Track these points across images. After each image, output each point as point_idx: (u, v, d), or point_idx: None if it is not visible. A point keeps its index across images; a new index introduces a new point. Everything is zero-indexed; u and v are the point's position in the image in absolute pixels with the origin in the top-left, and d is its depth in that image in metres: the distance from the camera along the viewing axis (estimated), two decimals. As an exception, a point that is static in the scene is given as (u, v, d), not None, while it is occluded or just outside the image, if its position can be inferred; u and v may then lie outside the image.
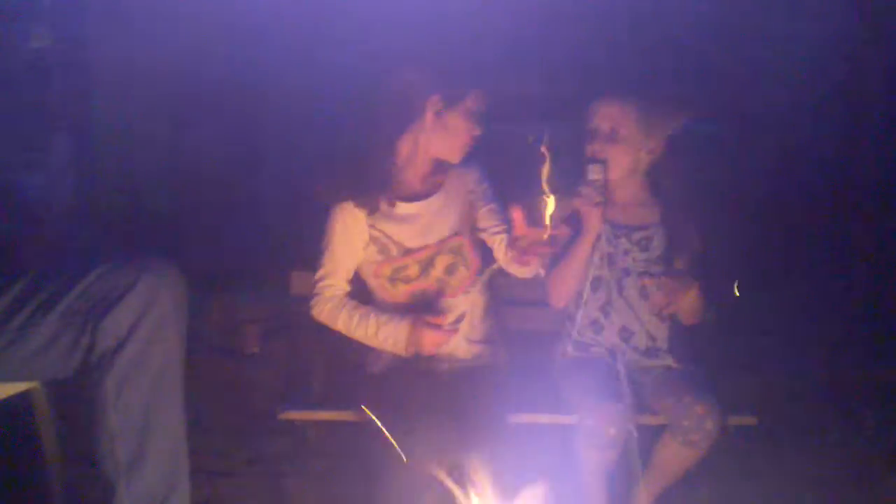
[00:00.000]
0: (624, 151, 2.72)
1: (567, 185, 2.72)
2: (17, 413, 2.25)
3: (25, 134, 2.80)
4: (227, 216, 3.25)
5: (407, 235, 2.54)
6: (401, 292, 2.55)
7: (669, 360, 2.76)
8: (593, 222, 2.65)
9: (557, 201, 2.59)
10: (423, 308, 2.55)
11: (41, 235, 2.45)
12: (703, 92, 3.33)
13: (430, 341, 2.39)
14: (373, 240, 2.51)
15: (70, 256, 2.26)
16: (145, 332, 2.13)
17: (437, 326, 2.39)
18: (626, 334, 2.77)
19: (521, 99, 3.38)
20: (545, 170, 2.61)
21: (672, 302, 2.64)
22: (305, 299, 2.98)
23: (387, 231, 2.51)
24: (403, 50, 2.57)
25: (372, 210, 2.50)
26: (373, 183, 2.49)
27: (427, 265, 2.56)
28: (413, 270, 2.54)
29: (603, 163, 2.63)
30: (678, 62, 3.35)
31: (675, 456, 2.61)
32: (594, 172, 2.61)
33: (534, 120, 2.90)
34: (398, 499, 2.30)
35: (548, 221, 2.66)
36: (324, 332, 2.91)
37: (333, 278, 2.52)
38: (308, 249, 3.11)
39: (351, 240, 2.52)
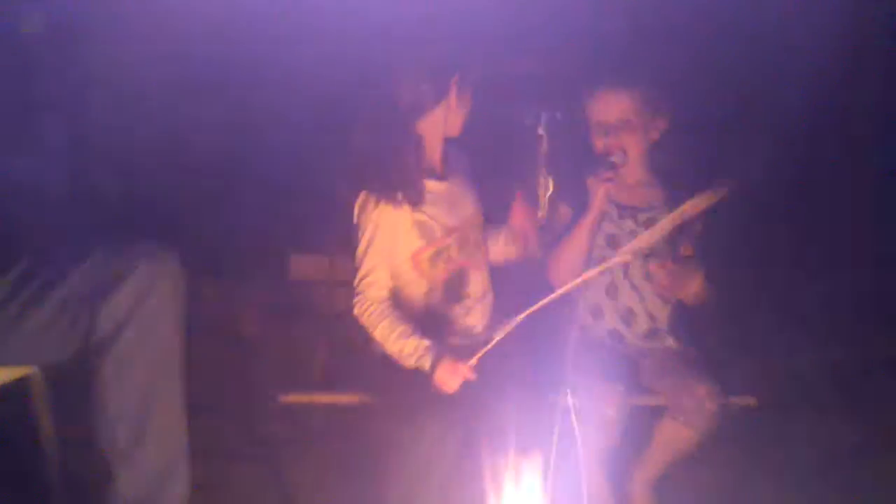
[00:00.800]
0: (636, 138, 2.72)
1: (565, 167, 2.72)
2: (15, 398, 2.25)
3: (21, 118, 2.78)
4: (227, 200, 3.24)
5: (447, 214, 2.54)
6: (440, 272, 2.54)
7: (670, 341, 2.75)
8: (600, 199, 2.64)
9: (555, 183, 2.60)
10: (457, 287, 2.56)
11: (38, 220, 2.44)
12: (704, 73, 3.31)
13: (448, 382, 2.38)
14: (416, 225, 2.50)
15: (68, 241, 2.24)
16: (144, 316, 2.12)
17: (461, 367, 2.37)
18: (628, 316, 2.77)
19: (519, 80, 3.37)
20: (542, 152, 2.61)
21: (678, 287, 2.63)
22: (305, 284, 2.99)
23: (430, 213, 2.51)
24: (407, 32, 2.54)
25: (417, 201, 2.48)
26: (414, 174, 2.49)
27: (464, 242, 2.57)
28: (454, 249, 2.55)
29: (623, 150, 2.65)
30: (675, 42, 3.33)
31: (675, 437, 2.60)
32: (616, 157, 2.63)
33: (532, 101, 2.87)
34: (401, 483, 2.30)
35: (544, 203, 2.68)
36: (324, 316, 2.92)
37: (376, 274, 2.49)
38: (307, 234, 3.13)
39: (393, 233, 2.50)
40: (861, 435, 3.18)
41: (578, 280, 2.42)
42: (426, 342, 2.39)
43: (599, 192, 2.63)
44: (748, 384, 2.72)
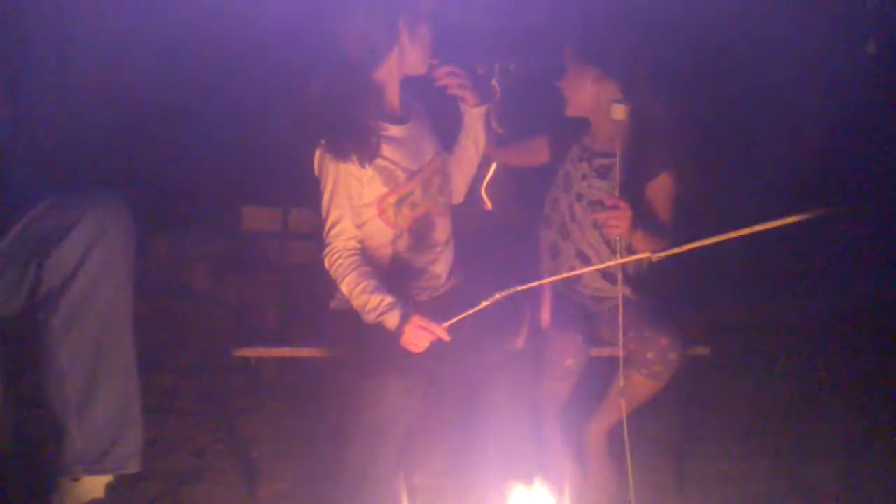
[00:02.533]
0: (577, 85, 2.71)
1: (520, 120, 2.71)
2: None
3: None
4: (177, 151, 3.17)
5: (408, 158, 2.51)
6: (405, 218, 2.52)
7: (627, 291, 2.75)
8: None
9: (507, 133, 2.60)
10: (423, 233, 2.55)
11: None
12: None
13: (417, 342, 2.36)
14: (378, 171, 2.47)
15: (12, 193, 2.17)
16: (92, 268, 2.07)
17: (429, 329, 2.35)
18: (583, 258, 2.76)
19: (473, 30, 3.32)
20: (495, 102, 2.59)
21: (615, 229, 2.59)
22: (258, 234, 2.94)
23: (391, 158, 2.48)
24: None
25: (373, 156, 2.45)
26: (370, 125, 2.45)
27: (427, 186, 2.55)
28: (418, 194, 2.53)
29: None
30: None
31: (637, 388, 2.63)
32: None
33: (490, 53, 2.84)
34: (356, 438, 2.29)
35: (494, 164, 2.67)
36: (278, 268, 2.89)
37: (342, 224, 2.45)
38: (260, 186, 3.07)
39: (355, 181, 2.46)
40: (811, 384, 3.24)
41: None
42: (390, 299, 2.36)
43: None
44: (700, 335, 2.76)
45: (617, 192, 2.47)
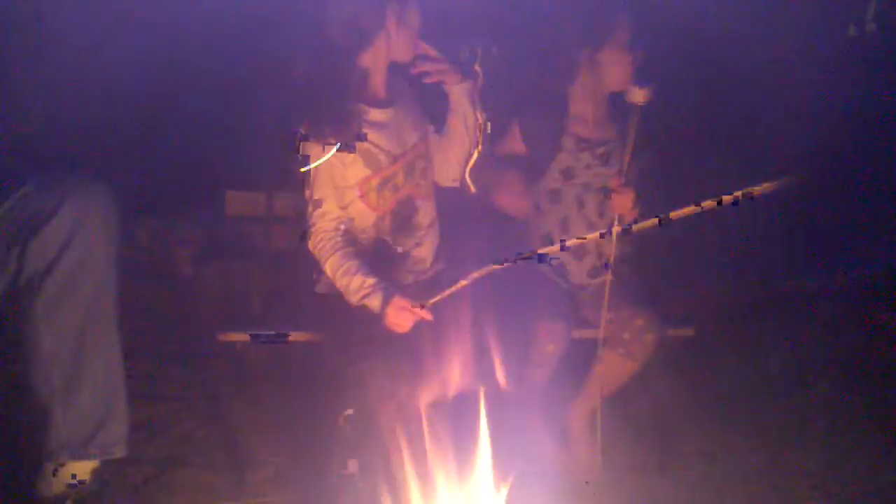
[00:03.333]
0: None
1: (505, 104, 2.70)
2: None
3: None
4: (159, 136, 3.14)
5: (391, 142, 2.52)
6: (387, 201, 2.52)
7: (612, 277, 2.76)
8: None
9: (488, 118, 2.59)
10: (405, 217, 2.55)
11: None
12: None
13: (400, 323, 2.36)
14: (361, 154, 2.47)
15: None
16: (75, 254, 2.06)
17: (411, 310, 2.35)
18: (580, 252, 2.78)
19: (457, 14, 3.30)
20: (477, 87, 2.58)
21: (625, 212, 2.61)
22: (241, 220, 2.94)
23: (375, 141, 2.48)
24: None
25: (353, 143, 2.45)
26: (353, 110, 2.45)
27: (410, 170, 2.55)
28: (400, 177, 2.53)
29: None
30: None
31: (614, 368, 2.65)
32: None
33: (473, 36, 2.83)
34: (344, 423, 2.30)
35: (479, 144, 2.66)
36: (263, 253, 2.88)
37: (326, 205, 2.46)
38: (243, 171, 3.06)
39: (338, 163, 2.46)
40: (796, 365, 3.27)
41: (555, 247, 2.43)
42: (371, 280, 2.37)
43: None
44: (686, 316, 2.78)
45: (623, 175, 2.49)
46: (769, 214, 3.48)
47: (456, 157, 2.67)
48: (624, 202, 2.53)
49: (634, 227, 2.21)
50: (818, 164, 3.43)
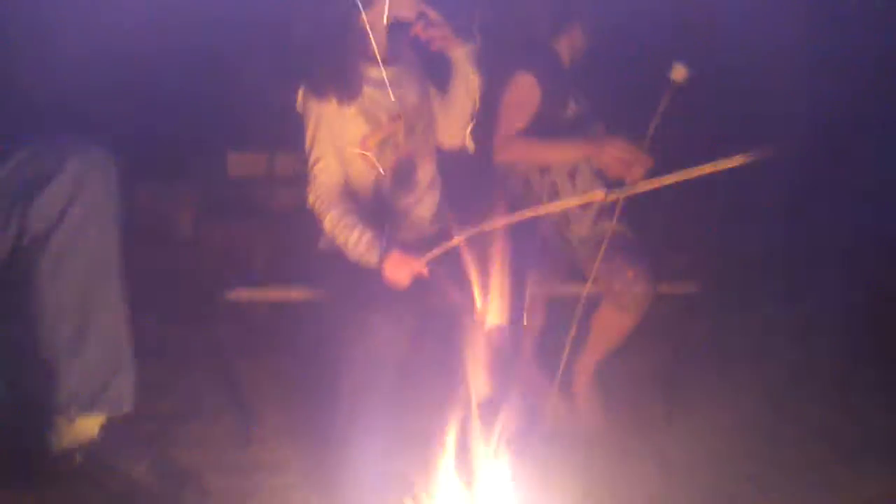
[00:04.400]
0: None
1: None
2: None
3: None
4: (160, 97, 3.14)
5: (392, 100, 2.51)
6: (388, 159, 2.53)
7: (613, 228, 2.75)
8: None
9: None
10: (406, 175, 2.55)
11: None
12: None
13: (398, 277, 2.37)
14: (361, 111, 2.47)
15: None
16: (77, 213, 2.09)
17: (408, 264, 2.36)
18: (586, 203, 2.78)
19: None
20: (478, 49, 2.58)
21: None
22: (243, 181, 2.95)
23: (375, 99, 2.49)
24: None
25: (354, 96, 2.46)
26: (354, 66, 2.45)
27: (411, 129, 2.55)
28: (400, 135, 2.53)
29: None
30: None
31: (610, 322, 2.67)
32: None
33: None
34: (347, 377, 2.32)
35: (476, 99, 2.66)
36: (265, 213, 2.90)
37: (326, 161, 2.46)
38: (245, 131, 3.07)
39: (338, 120, 2.47)
40: (798, 323, 3.28)
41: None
42: (369, 234, 2.38)
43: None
44: (688, 272, 2.78)
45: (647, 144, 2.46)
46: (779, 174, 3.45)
47: (458, 118, 2.66)
48: (638, 169, 2.51)
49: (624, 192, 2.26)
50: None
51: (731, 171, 2.00)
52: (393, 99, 2.51)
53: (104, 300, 2.15)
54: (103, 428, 2.18)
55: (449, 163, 2.72)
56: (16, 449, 2.26)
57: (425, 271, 2.34)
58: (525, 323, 2.58)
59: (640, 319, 2.66)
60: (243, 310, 2.75)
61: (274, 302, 2.72)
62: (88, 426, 2.16)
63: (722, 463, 2.53)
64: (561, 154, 2.73)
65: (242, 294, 2.66)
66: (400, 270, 2.34)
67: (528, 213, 2.28)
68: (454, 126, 2.67)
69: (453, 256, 2.35)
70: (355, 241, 2.39)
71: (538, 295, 2.58)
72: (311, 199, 2.47)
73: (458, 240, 2.26)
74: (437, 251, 2.31)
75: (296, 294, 2.64)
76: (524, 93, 2.76)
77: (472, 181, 2.88)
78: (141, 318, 2.24)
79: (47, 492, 2.22)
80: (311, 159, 2.48)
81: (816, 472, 2.50)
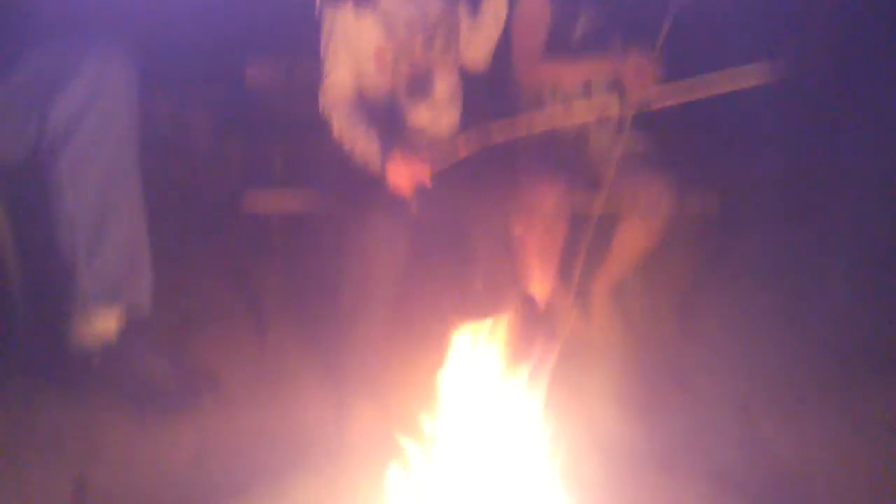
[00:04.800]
0: None
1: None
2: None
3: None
4: (176, 3, 3.09)
5: (411, 12, 2.48)
6: (404, 71, 2.50)
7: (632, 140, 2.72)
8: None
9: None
10: (421, 88, 2.52)
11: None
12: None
13: (400, 180, 2.36)
14: (378, 21, 2.44)
15: (13, 41, 2.16)
16: (95, 116, 2.09)
17: (410, 167, 2.35)
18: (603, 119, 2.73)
19: None
20: None
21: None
22: (261, 90, 2.92)
23: (393, 9, 2.45)
24: None
25: (369, 6, 2.42)
26: None
27: (429, 43, 2.52)
28: (418, 49, 2.50)
29: None
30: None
31: (630, 238, 2.65)
32: None
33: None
34: (348, 279, 2.34)
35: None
36: (283, 123, 2.88)
37: (340, 66, 2.45)
38: (263, 39, 3.02)
39: (354, 27, 2.44)
40: (817, 242, 3.23)
41: None
42: (375, 135, 2.36)
43: None
44: (709, 190, 2.75)
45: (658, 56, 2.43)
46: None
47: (484, 40, 2.62)
48: (652, 81, 2.47)
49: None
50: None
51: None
52: (411, 10, 2.47)
53: (121, 203, 2.16)
54: (121, 330, 2.21)
55: (470, 81, 2.69)
56: (34, 350, 2.30)
57: (427, 178, 2.32)
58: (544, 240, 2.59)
59: (660, 236, 2.64)
60: (260, 218, 2.75)
61: (290, 211, 2.71)
62: (106, 326, 2.18)
63: (737, 379, 2.52)
64: (577, 70, 2.69)
65: (259, 203, 2.66)
66: (402, 172, 2.32)
67: (542, 123, 2.26)
68: (480, 47, 2.63)
69: (463, 172, 2.34)
70: (361, 139, 2.36)
71: (557, 212, 2.55)
72: (322, 100, 2.45)
73: (465, 151, 2.24)
74: (443, 159, 2.29)
75: (307, 199, 2.64)
76: (536, 9, 2.70)
77: (489, 100, 2.86)
78: (157, 226, 2.26)
79: (66, 394, 2.26)
80: (326, 67, 2.45)
81: (830, 390, 2.48)
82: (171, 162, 3.02)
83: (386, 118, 2.50)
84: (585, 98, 2.71)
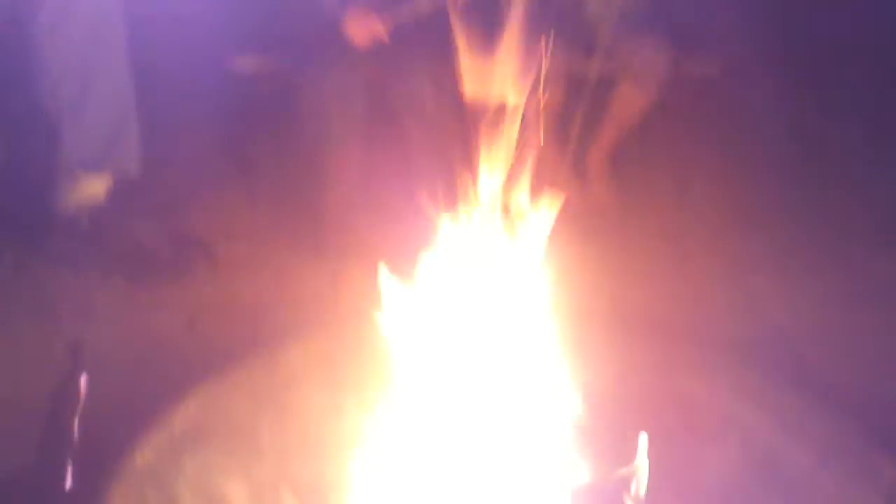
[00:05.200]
0: None
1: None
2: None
3: None
4: None
5: None
6: None
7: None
8: None
9: None
10: None
11: None
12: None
13: (357, 31, 2.31)
14: None
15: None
16: None
17: (370, 19, 2.30)
18: None
19: None
20: None
21: None
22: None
23: None
24: None
25: None
26: None
27: None
28: None
29: None
30: None
31: (627, 100, 2.60)
32: None
33: None
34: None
35: None
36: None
37: None
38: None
39: None
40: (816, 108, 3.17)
41: None
42: None
43: None
44: (710, 51, 2.67)
45: None
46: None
47: None
48: None
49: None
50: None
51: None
52: None
53: (107, 63, 2.11)
54: (110, 192, 2.17)
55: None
56: (21, 212, 2.25)
57: (383, 32, 2.28)
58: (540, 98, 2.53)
59: (657, 99, 2.59)
60: (247, 82, 2.68)
61: (278, 75, 2.64)
62: (94, 188, 2.16)
63: (733, 243, 2.52)
64: None
65: (244, 64, 2.61)
66: (358, 24, 2.29)
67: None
68: None
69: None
70: None
71: (553, 73, 2.48)
72: None
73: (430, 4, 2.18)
74: (403, 13, 2.23)
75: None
76: None
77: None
78: (144, 90, 2.20)
79: (53, 259, 2.23)
80: None
81: (827, 252, 2.49)
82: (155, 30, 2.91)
83: None
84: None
